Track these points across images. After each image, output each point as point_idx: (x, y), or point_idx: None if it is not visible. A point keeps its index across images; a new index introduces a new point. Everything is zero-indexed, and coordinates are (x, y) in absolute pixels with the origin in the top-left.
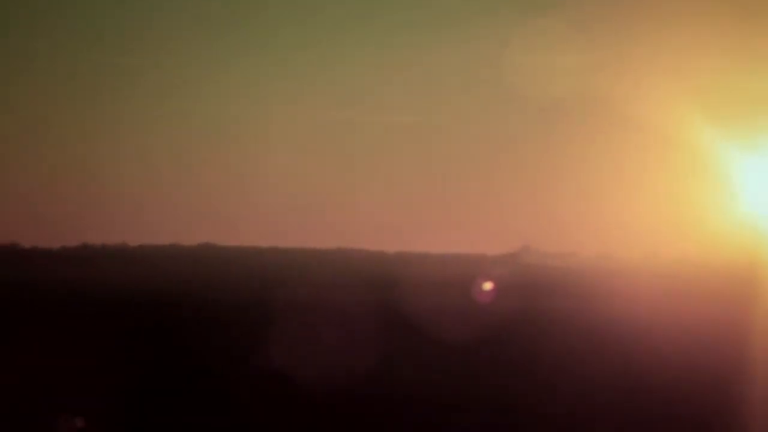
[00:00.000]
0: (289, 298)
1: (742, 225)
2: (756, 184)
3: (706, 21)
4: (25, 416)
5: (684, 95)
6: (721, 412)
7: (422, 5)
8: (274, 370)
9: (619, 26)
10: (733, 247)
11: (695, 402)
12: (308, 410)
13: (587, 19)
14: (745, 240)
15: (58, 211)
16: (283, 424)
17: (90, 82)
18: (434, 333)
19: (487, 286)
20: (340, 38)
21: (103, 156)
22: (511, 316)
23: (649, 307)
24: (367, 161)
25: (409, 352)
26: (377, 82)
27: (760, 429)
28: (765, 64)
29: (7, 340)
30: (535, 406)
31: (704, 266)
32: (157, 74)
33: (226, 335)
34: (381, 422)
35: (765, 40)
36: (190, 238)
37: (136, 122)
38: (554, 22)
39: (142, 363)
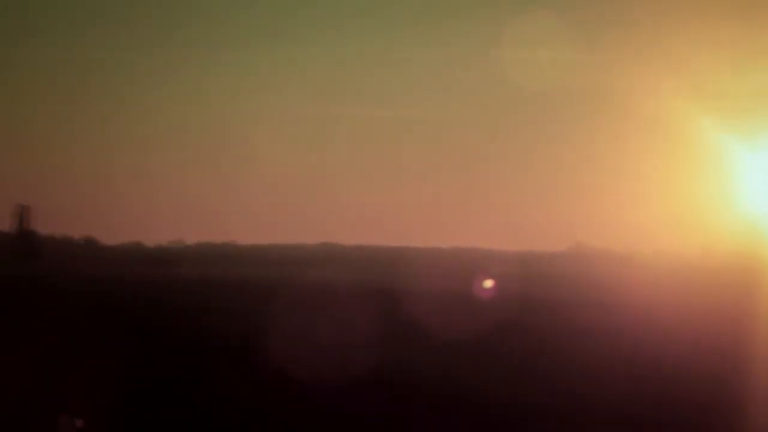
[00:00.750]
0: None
1: (745, 222)
2: (759, 181)
3: (709, 16)
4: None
5: (687, 91)
6: (726, 411)
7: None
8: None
9: (622, 21)
10: (735, 244)
11: (700, 401)
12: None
13: (588, 14)
14: (747, 237)
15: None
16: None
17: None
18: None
19: (488, 283)
20: (339, 33)
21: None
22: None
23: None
24: (391, 158)
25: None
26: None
27: (763, 428)
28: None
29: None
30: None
31: (706, 264)
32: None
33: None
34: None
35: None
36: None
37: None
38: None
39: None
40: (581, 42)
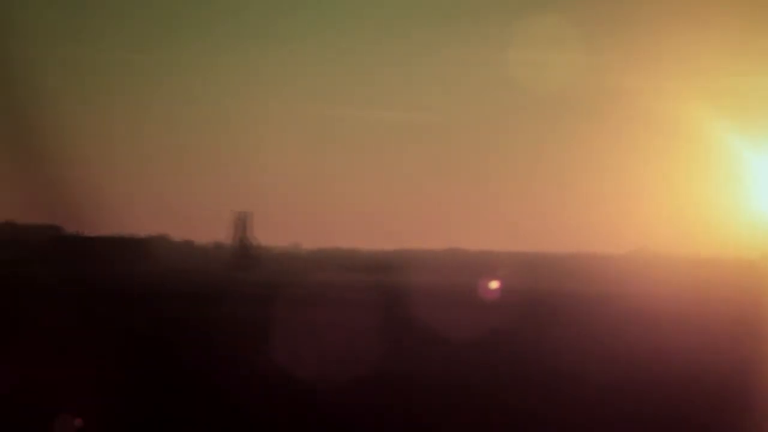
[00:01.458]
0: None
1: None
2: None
3: (717, 17)
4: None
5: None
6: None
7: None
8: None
9: (630, 22)
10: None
11: (707, 401)
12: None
13: (596, 15)
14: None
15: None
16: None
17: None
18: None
19: (494, 284)
20: (346, 35)
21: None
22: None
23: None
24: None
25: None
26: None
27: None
28: None
29: None
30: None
31: (716, 263)
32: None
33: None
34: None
35: None
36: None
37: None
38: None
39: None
40: (590, 43)
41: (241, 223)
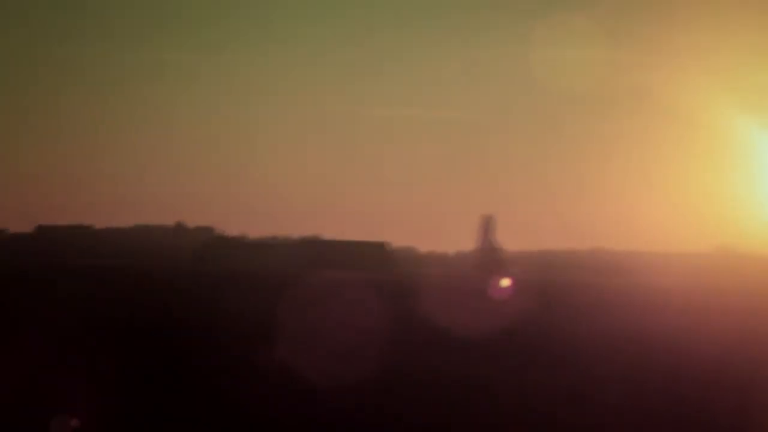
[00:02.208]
0: None
1: None
2: None
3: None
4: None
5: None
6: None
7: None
8: None
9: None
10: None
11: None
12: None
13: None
14: None
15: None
16: None
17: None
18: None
19: (505, 282)
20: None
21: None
22: None
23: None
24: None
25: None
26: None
27: None
28: None
29: None
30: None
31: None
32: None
33: None
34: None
35: None
36: None
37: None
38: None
39: None
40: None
41: (488, 226)
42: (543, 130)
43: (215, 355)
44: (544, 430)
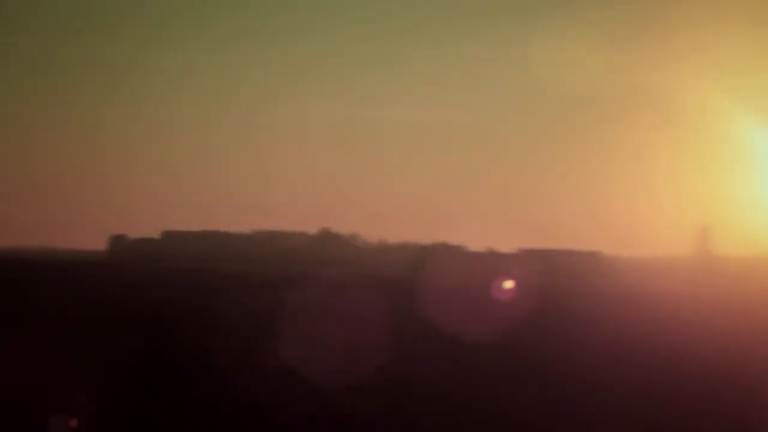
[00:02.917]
0: None
1: None
2: None
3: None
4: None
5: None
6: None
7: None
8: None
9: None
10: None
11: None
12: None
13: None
14: None
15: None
16: None
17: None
18: None
19: (508, 284)
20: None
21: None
22: None
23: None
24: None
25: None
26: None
27: None
28: None
29: None
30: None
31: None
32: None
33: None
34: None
35: None
36: None
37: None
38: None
39: None
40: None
41: (705, 234)
42: (544, 131)
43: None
44: None
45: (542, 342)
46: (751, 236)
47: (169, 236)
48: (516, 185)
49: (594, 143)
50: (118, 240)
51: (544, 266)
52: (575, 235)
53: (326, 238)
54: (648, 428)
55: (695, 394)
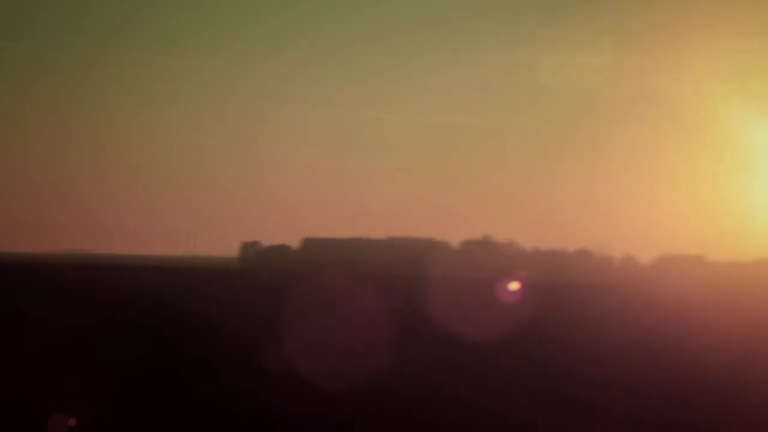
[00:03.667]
0: None
1: None
2: None
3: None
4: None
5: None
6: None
7: (452, 6)
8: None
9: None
10: None
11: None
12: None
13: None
14: None
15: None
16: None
17: None
18: None
19: (514, 286)
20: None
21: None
22: None
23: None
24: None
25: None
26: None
27: None
28: None
29: None
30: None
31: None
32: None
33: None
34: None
35: None
36: None
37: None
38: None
39: None
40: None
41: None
42: (553, 133)
43: None
44: None
45: (547, 342)
46: (753, 240)
47: (308, 243)
48: (533, 187)
49: (602, 146)
50: (249, 247)
51: (553, 267)
52: (582, 237)
53: (485, 245)
54: (649, 428)
55: (695, 394)
